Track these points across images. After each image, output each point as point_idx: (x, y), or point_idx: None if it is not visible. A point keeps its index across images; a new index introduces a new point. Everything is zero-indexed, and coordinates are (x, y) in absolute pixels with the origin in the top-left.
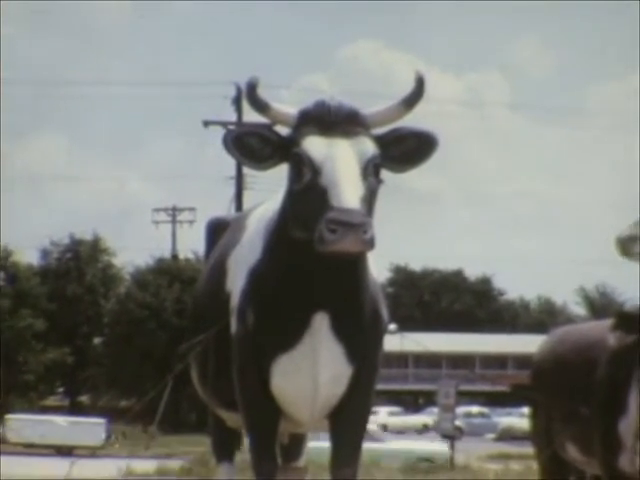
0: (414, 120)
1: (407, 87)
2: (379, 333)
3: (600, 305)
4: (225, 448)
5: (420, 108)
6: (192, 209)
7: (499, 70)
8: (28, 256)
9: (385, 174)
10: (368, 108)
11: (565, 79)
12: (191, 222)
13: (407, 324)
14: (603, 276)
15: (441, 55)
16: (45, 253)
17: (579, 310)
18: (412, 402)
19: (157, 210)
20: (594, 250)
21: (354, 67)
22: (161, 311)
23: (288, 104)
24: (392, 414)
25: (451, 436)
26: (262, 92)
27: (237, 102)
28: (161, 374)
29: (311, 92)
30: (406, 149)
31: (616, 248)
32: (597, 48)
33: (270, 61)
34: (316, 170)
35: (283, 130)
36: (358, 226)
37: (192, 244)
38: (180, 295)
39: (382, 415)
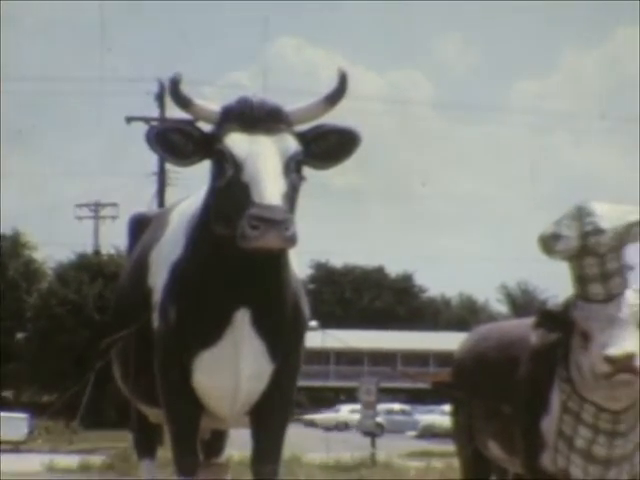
0: (337, 117)
1: (330, 84)
2: (300, 330)
3: (522, 303)
4: (147, 444)
5: (343, 105)
6: (115, 205)
7: (421, 68)
8: None
9: (307, 171)
10: (291, 105)
11: (487, 77)
12: (114, 218)
13: (328, 321)
14: (525, 274)
15: (364, 53)
16: None
17: (501, 308)
18: (333, 399)
19: (80, 206)
20: (516, 248)
21: (278, 64)
22: (83, 307)
23: (211, 101)
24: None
25: (372, 433)
26: (185, 88)
27: (160, 98)
28: (82, 370)
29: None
30: (328, 146)
31: (538, 246)
32: (518, 47)
33: (193, 58)
34: (238, 166)
35: (206, 126)
36: (280, 223)
37: (115, 240)
38: (102, 291)
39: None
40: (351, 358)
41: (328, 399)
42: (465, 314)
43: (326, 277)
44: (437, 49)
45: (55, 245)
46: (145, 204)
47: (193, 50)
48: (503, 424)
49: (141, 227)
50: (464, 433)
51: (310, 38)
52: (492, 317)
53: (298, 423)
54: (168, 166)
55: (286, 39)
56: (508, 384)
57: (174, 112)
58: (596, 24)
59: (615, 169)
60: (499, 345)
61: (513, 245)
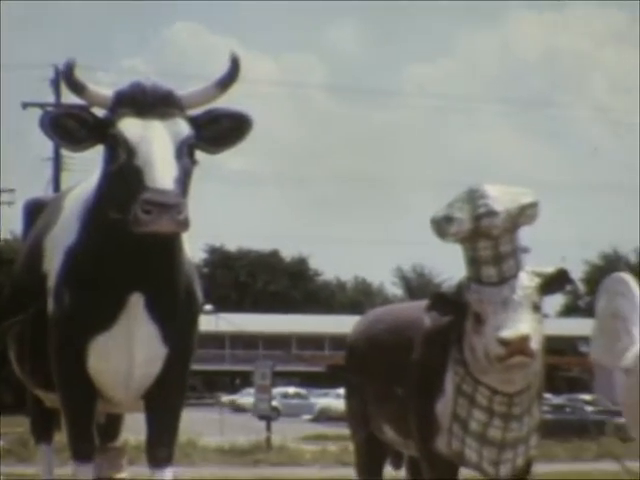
0: (231, 101)
1: (224, 69)
2: (194, 314)
3: (417, 286)
4: (44, 429)
5: (237, 89)
6: (11, 190)
7: (315, 52)
8: None
9: (200, 155)
10: (185, 90)
11: (380, 61)
12: (10, 203)
13: (223, 305)
14: (420, 257)
15: (259, 37)
16: None
17: (396, 291)
18: (229, 383)
19: None
20: (411, 231)
21: (173, 49)
22: None
23: (106, 86)
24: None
25: (267, 417)
26: (79, 74)
27: (56, 84)
28: None
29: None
30: (220, 130)
31: (432, 229)
32: (411, 31)
33: (89, 44)
34: (131, 151)
35: (100, 112)
36: (172, 207)
37: (11, 225)
38: None
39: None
40: (246, 342)
41: (223, 383)
42: (360, 297)
43: (220, 261)
44: (331, 33)
45: None
46: (41, 189)
47: (89, 36)
48: (397, 407)
49: (36, 212)
50: (358, 416)
51: (206, 23)
52: (387, 300)
53: (196, 407)
54: (63, 151)
55: (182, 24)
56: (402, 367)
57: (70, 98)
58: (489, 8)
59: (508, 152)
60: (393, 328)
61: (408, 228)
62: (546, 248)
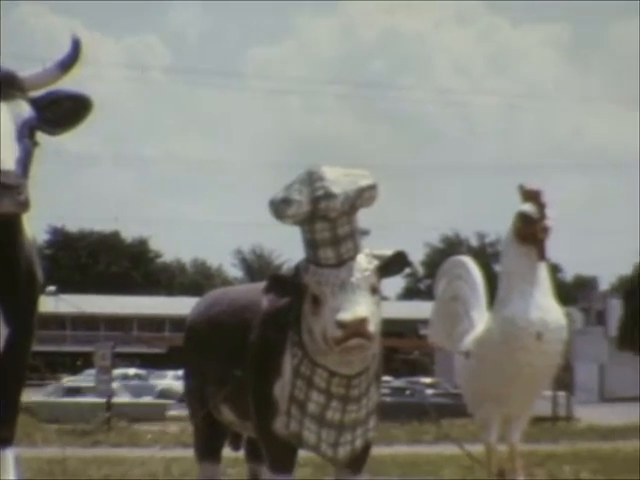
0: (74, 83)
1: (65, 51)
2: (34, 295)
3: (257, 268)
4: None
5: (80, 71)
6: None
7: (157, 34)
8: None
9: (42, 136)
10: (27, 72)
11: (222, 43)
12: None
13: (66, 286)
14: (260, 239)
15: (102, 19)
16: None
17: (236, 272)
18: (70, 364)
19: None
20: (250, 212)
21: (17, 31)
22: None
23: None
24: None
25: (108, 397)
26: None
27: None
28: None
29: None
30: (61, 112)
31: (270, 211)
32: (252, 13)
33: None
34: None
35: None
36: (13, 188)
37: None
38: None
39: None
40: (87, 323)
41: (64, 364)
42: (200, 279)
43: (62, 242)
44: (173, 15)
45: None
46: None
47: None
48: (235, 388)
49: None
50: (197, 397)
51: (50, 5)
52: (227, 282)
53: (39, 388)
54: None
55: (26, 6)
56: (240, 349)
57: None
58: None
59: (348, 134)
60: (231, 309)
61: (247, 210)
62: (387, 231)
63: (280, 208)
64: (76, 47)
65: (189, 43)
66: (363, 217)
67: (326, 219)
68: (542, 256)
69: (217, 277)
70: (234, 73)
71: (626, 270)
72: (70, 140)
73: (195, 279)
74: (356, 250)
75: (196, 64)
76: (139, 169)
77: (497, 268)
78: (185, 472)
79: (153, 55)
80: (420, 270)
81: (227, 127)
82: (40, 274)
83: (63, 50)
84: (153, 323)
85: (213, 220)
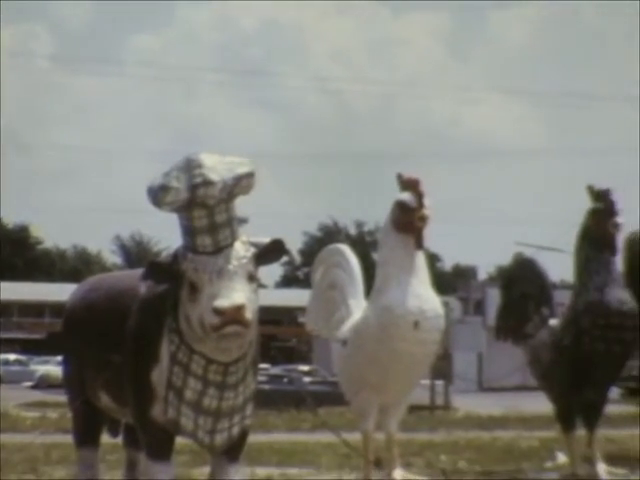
0: None
1: None
2: None
3: (136, 254)
4: None
5: None
6: None
7: (39, 22)
8: None
9: None
10: None
11: (103, 31)
12: None
13: None
14: (139, 226)
15: None
16: None
17: (116, 259)
18: None
19: None
20: (129, 199)
21: None
22: None
23: None
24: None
25: None
26: None
27: None
28: None
29: None
30: None
31: (148, 198)
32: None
33: None
34: None
35: None
36: None
37: None
38: None
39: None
40: None
41: None
42: (79, 266)
43: None
44: (54, 3)
45: None
46: None
47: None
48: (113, 375)
49: None
50: (75, 383)
51: None
52: (106, 268)
53: None
54: None
55: None
56: (118, 335)
57: None
58: None
59: (226, 121)
60: (109, 295)
61: (126, 196)
62: (266, 219)
63: (158, 195)
64: None
65: (71, 31)
66: (242, 205)
67: (204, 206)
68: (420, 245)
69: (96, 264)
70: (115, 61)
71: (504, 260)
72: None
73: (75, 265)
74: (234, 238)
75: (77, 51)
76: (21, 155)
77: (375, 257)
78: (64, 457)
79: (36, 42)
80: (298, 258)
81: (107, 114)
82: None
83: None
84: (33, 309)
85: (92, 206)
